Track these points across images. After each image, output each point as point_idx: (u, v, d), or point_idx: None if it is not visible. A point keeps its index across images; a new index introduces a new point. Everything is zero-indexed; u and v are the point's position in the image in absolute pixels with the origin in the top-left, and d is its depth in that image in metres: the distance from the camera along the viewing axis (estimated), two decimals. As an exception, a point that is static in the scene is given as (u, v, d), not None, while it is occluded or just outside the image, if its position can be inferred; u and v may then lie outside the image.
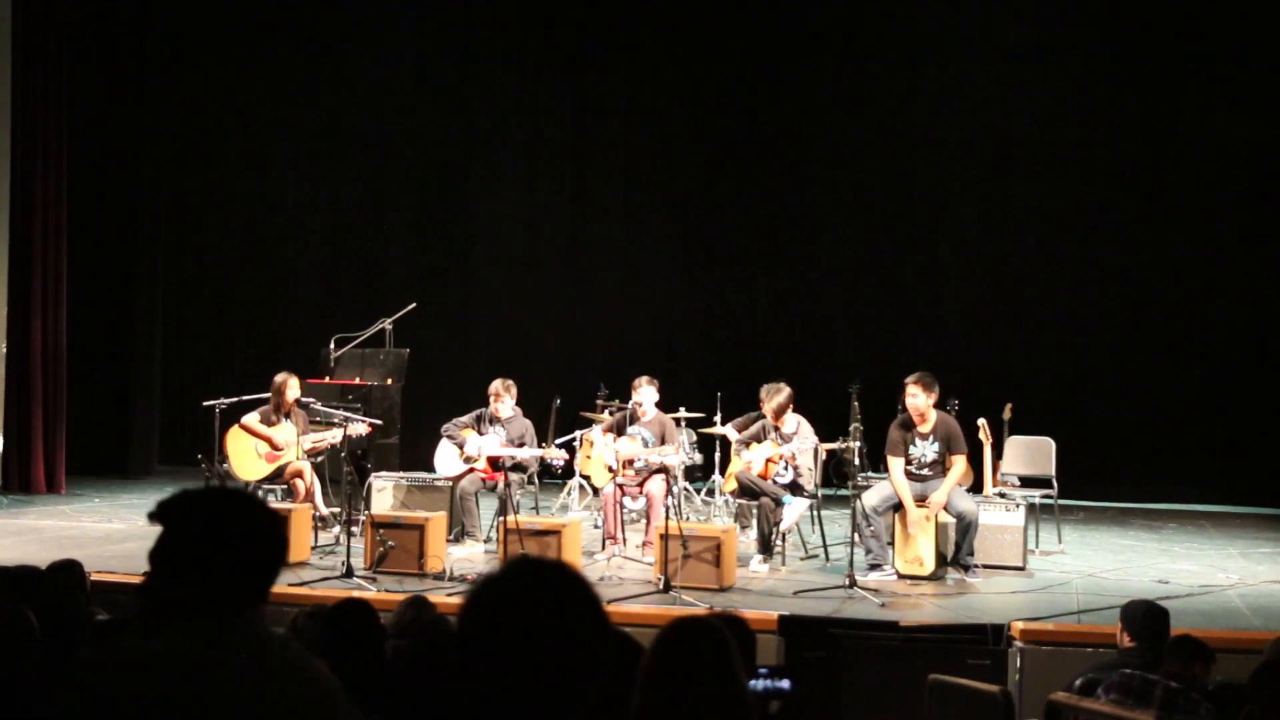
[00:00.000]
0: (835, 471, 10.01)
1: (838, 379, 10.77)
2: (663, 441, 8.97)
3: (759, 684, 2.86)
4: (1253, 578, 8.57)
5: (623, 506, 9.06)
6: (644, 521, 9.03)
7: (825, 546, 8.95)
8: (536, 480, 10.27)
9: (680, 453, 9.34)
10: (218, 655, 2.12)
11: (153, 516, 2.22)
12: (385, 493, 9.52)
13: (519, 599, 1.90)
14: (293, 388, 9.33)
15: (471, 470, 9.19)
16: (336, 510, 9.16)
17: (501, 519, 8.22)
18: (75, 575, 5.53)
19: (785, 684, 2.87)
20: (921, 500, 8.19)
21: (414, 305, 11.01)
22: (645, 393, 9.14)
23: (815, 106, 12.70)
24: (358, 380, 10.47)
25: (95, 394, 12.77)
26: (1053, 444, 9.77)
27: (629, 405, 9.17)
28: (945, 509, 8.11)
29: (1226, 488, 11.72)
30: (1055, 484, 9.57)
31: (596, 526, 9.39)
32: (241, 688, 2.10)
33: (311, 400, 9.51)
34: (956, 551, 8.17)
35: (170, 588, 2.19)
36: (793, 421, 8.82)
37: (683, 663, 2.58)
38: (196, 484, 2.46)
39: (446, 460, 9.39)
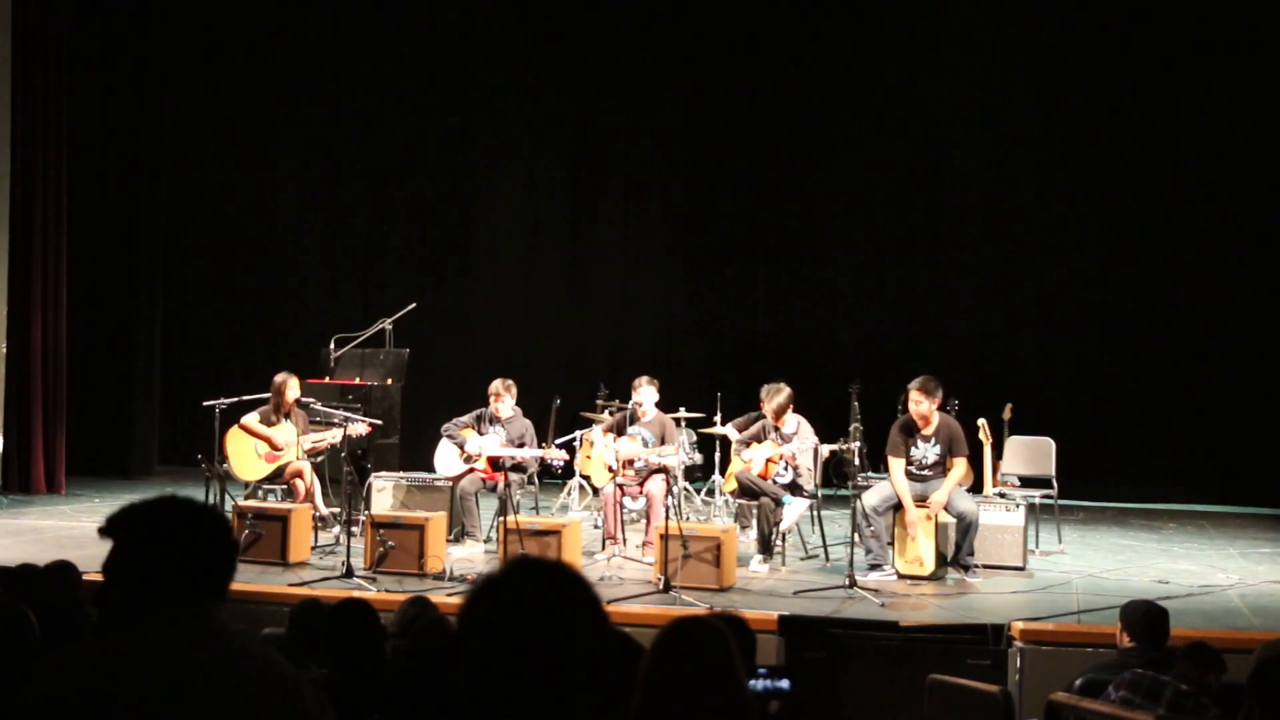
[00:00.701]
0: (835, 471, 10.02)
1: (838, 379, 10.78)
2: (663, 441, 8.97)
3: (759, 684, 2.86)
4: (1253, 578, 8.57)
5: (623, 506, 9.06)
6: (644, 521, 9.03)
7: (825, 546, 8.95)
8: (536, 480, 10.27)
9: (680, 453, 9.34)
10: (177, 651, 2.15)
11: (102, 531, 2.27)
12: (385, 493, 9.52)
13: (519, 599, 1.90)
14: (293, 388, 9.33)
15: (471, 470, 9.19)
16: (336, 510, 9.16)
17: (501, 519, 8.22)
18: (71, 577, 5.53)
19: (785, 684, 2.86)
20: (922, 501, 8.19)
21: (414, 305, 11.01)
22: (645, 393, 9.14)
23: (815, 106, 12.70)
24: (358, 380, 10.46)
25: (96, 394, 12.77)
26: (1053, 444, 9.76)
27: (629, 405, 9.17)
28: (945, 509, 8.12)
29: (1226, 488, 11.71)
30: (1055, 484, 9.57)
31: (596, 526, 9.39)
32: (202, 681, 2.14)
33: (311, 400, 9.51)
34: (957, 551, 8.17)
35: (125, 594, 2.23)
36: (793, 422, 8.82)
37: (683, 663, 2.58)
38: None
39: (446, 460, 9.39)
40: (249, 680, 2.17)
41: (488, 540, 9.05)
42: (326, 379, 10.43)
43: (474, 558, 8.73)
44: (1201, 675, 4.63)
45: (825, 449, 8.91)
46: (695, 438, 10.86)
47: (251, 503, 8.88)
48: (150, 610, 2.19)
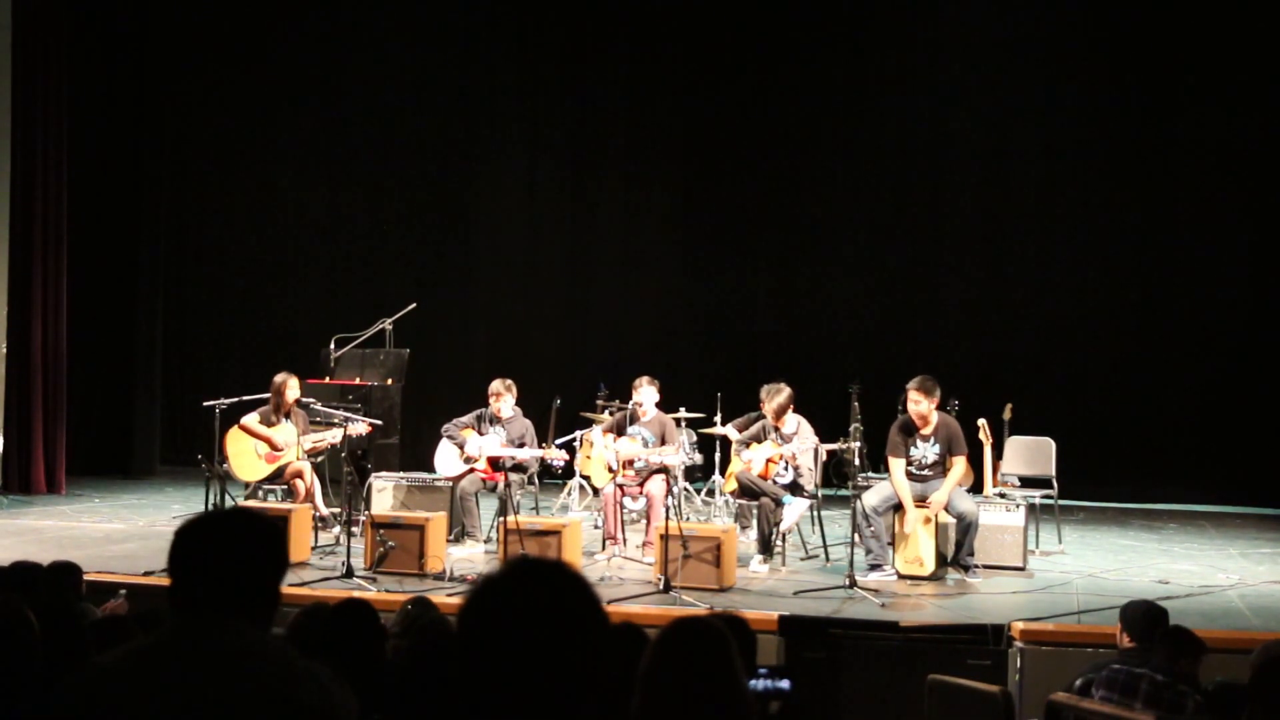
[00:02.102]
0: (835, 472, 10.02)
1: (838, 379, 10.79)
2: (663, 441, 8.97)
3: (759, 684, 2.86)
4: (1253, 578, 8.57)
5: (623, 506, 9.06)
6: (644, 521, 9.03)
7: (825, 547, 8.95)
8: (536, 480, 10.26)
9: (680, 453, 9.34)
10: (218, 658, 2.18)
11: (179, 534, 2.33)
12: (385, 493, 9.52)
13: (518, 600, 1.90)
14: (292, 388, 9.33)
15: (471, 470, 9.19)
16: (336, 510, 9.16)
17: (501, 519, 8.22)
18: (73, 577, 5.54)
19: (785, 684, 2.86)
20: (922, 501, 8.19)
21: (414, 305, 11.01)
22: (645, 393, 9.14)
23: (815, 106, 12.70)
24: (358, 380, 10.46)
25: (97, 394, 12.78)
26: (1053, 444, 9.76)
27: (629, 405, 9.17)
28: (946, 509, 8.11)
29: (1226, 488, 11.71)
30: (1055, 484, 9.57)
31: (596, 527, 9.39)
32: (241, 689, 2.15)
33: (311, 400, 9.51)
34: (957, 552, 8.17)
35: (187, 595, 2.28)
36: (793, 422, 8.82)
37: (683, 663, 2.58)
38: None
39: (446, 460, 9.39)
40: (288, 694, 2.19)
41: (488, 540, 9.04)
42: (326, 379, 10.43)
43: (474, 558, 8.73)
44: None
45: (825, 449, 8.91)
46: (695, 438, 10.85)
47: (252, 503, 8.88)
48: (204, 616, 2.24)
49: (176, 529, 2.35)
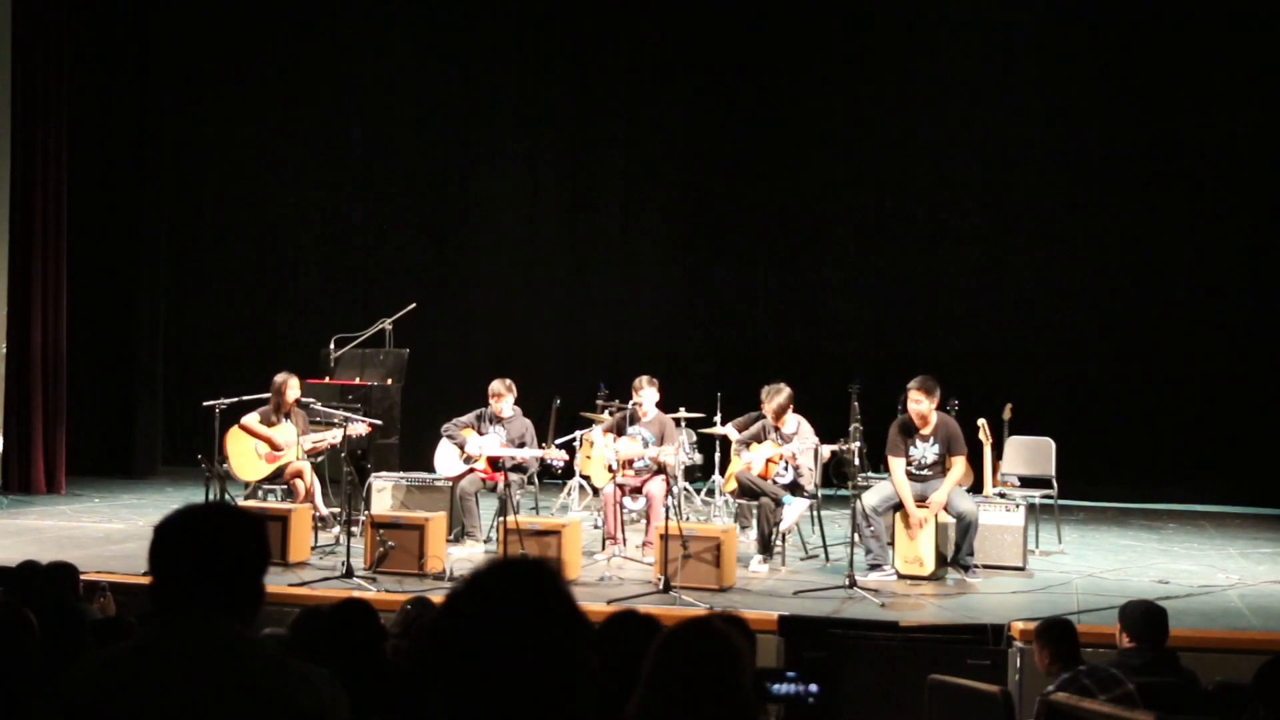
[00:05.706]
0: (835, 472, 10.01)
1: (838, 379, 10.78)
2: (662, 442, 8.97)
3: (787, 688, 2.84)
4: (1253, 578, 8.57)
5: (623, 506, 9.06)
6: (644, 521, 9.03)
7: (825, 547, 8.95)
8: (536, 480, 10.26)
9: (680, 453, 9.34)
10: (207, 656, 2.19)
11: (158, 532, 2.32)
12: (385, 493, 9.52)
13: (489, 600, 1.90)
14: (293, 388, 9.33)
15: (471, 470, 9.19)
16: (336, 510, 9.16)
17: (501, 519, 8.21)
18: (71, 577, 5.54)
19: (814, 687, 2.84)
20: (921, 500, 8.19)
21: (414, 305, 11.01)
22: (646, 393, 9.13)
23: (816, 106, 12.70)
24: (358, 380, 10.46)
25: (99, 394, 12.77)
26: (1053, 444, 9.76)
27: (629, 405, 9.17)
28: (945, 509, 8.11)
29: (1226, 488, 11.71)
30: (1055, 484, 9.57)
31: (596, 527, 9.39)
32: (231, 688, 2.16)
33: (311, 400, 9.51)
34: (956, 552, 8.17)
35: (170, 594, 2.27)
36: (793, 422, 8.82)
37: (684, 666, 2.57)
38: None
39: (446, 460, 9.38)
40: (280, 692, 2.20)
41: (488, 540, 9.04)
42: (326, 379, 10.42)
43: (474, 558, 8.71)
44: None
45: (825, 449, 8.90)
46: (695, 438, 10.85)
47: (252, 503, 8.88)
48: (190, 614, 2.24)
49: (155, 526, 2.31)
